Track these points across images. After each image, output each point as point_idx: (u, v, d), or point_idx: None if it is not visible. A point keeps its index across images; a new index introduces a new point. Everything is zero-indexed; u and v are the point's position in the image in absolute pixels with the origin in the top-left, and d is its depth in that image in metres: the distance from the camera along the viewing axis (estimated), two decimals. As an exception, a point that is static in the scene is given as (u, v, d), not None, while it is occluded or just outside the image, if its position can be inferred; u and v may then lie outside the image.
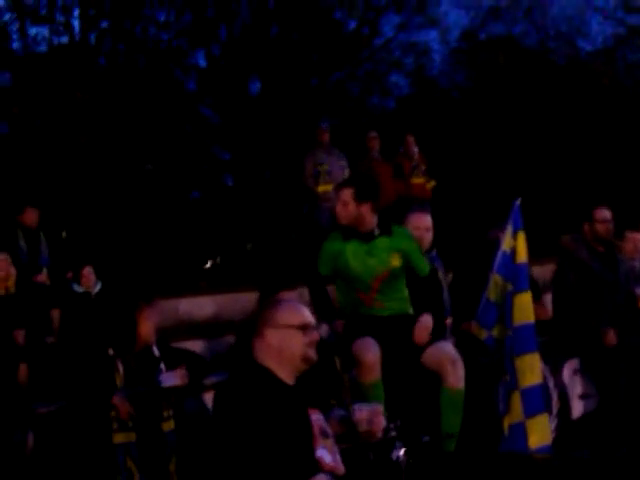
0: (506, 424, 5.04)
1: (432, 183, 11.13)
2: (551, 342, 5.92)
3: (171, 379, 4.09)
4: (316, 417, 3.39)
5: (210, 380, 4.24)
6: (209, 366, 4.45)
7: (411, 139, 11.28)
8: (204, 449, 3.34)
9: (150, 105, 12.95)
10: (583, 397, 6.07)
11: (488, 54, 14.83)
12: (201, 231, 12.64)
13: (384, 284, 4.88)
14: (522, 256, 5.18)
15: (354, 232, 4.85)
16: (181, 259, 12.43)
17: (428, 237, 5.40)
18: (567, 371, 6.00)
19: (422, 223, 5.41)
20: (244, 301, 9.09)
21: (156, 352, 4.33)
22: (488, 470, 4.71)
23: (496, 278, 5.29)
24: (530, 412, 5.04)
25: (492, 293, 5.31)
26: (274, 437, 3.11)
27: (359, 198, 4.78)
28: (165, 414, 4.22)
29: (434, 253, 5.52)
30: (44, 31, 13.25)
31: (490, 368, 5.32)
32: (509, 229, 5.24)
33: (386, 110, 14.75)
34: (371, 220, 4.85)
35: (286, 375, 3.33)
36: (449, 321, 5.44)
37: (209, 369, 4.38)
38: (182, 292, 9.08)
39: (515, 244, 5.18)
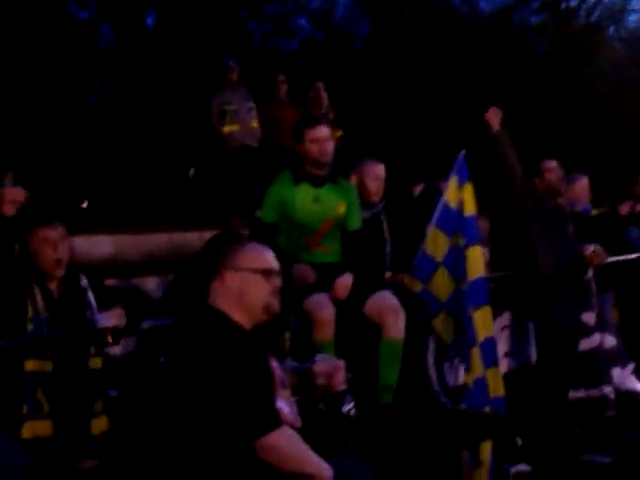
0: (470, 380, 4.97)
1: (339, 133, 10.94)
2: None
3: (107, 319, 3.76)
4: (274, 365, 3.18)
5: (148, 323, 3.94)
6: (146, 307, 4.14)
7: (320, 85, 11.07)
8: (149, 397, 3.07)
9: (41, 34, 12.22)
10: (507, 355, 6.07)
11: (393, 4, 14.68)
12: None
13: (329, 231, 4.78)
14: (470, 209, 5.08)
15: (305, 175, 4.68)
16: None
17: (382, 188, 5.26)
18: (496, 327, 5.98)
19: (379, 173, 5.27)
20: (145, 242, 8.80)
21: (84, 282, 3.96)
22: (421, 424, 4.62)
23: (435, 231, 5.19)
24: (488, 364, 5.02)
25: (429, 246, 5.22)
26: (236, 385, 2.91)
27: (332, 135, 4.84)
28: (92, 350, 3.88)
29: (382, 205, 5.37)
30: None
31: (422, 322, 5.23)
32: (454, 181, 5.12)
33: (290, 52, 14.42)
34: (330, 159, 4.79)
35: (244, 322, 3.11)
36: (388, 274, 5.29)
37: (147, 311, 4.06)
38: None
39: (462, 196, 5.07)
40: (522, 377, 5.97)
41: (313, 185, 4.72)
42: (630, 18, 18.24)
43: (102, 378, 3.88)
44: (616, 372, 6.49)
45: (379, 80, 13.77)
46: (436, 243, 5.17)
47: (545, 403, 5.93)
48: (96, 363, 3.86)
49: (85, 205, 12.69)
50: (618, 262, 6.79)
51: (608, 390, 6.37)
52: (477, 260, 5.12)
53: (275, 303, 3.13)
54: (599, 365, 6.40)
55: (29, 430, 3.67)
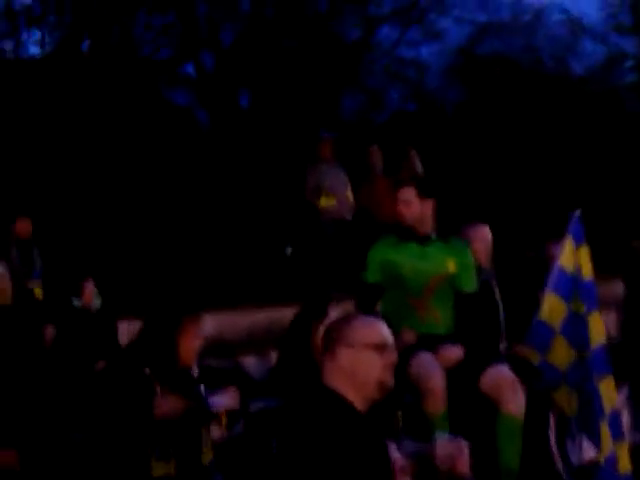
0: (601, 457, 4.63)
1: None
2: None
3: (222, 400, 3.61)
4: (394, 452, 2.94)
5: (258, 405, 3.76)
6: (256, 388, 3.97)
7: (414, 153, 10.95)
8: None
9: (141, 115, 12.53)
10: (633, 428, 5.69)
11: (484, 70, 14.57)
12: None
13: (439, 289, 4.56)
14: (588, 272, 4.79)
15: (410, 233, 4.54)
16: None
17: (490, 251, 5.03)
18: (620, 397, 5.61)
19: (486, 236, 5.05)
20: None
21: (195, 373, 3.85)
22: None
23: (551, 297, 4.90)
24: (615, 437, 4.69)
25: (545, 314, 4.92)
26: (353, 475, 2.65)
27: (423, 195, 4.55)
28: (204, 444, 3.72)
29: (493, 271, 5.14)
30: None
31: (543, 395, 4.91)
32: (569, 244, 4.84)
33: (382, 124, 14.41)
34: (431, 220, 4.62)
35: (358, 402, 2.87)
36: (503, 345, 5.01)
37: (256, 391, 3.90)
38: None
39: (579, 260, 4.78)
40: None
41: (419, 243, 4.53)
42: None
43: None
44: None
45: (474, 145, 13.61)
46: (552, 310, 4.88)
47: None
48: (209, 457, 3.69)
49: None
50: None
51: None
52: (598, 327, 4.81)
53: (389, 379, 2.91)
54: None
55: None
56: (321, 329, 3.82)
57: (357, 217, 10.18)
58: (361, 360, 2.86)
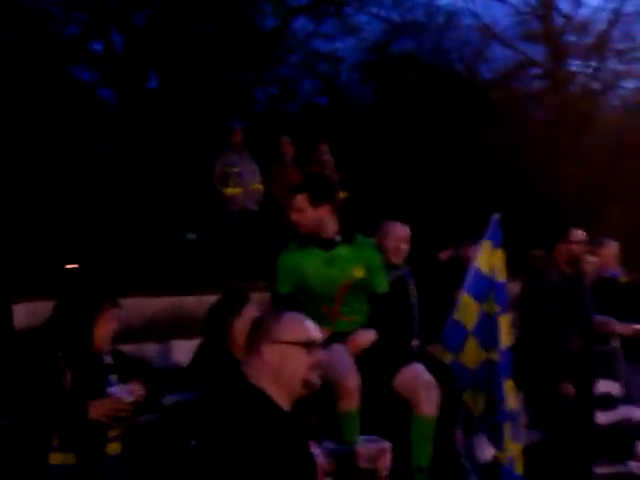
0: (504, 457, 4.69)
1: (344, 194, 10.78)
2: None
3: (123, 393, 3.47)
4: (316, 452, 2.88)
5: (170, 399, 3.63)
6: (168, 382, 3.84)
7: (324, 147, 10.96)
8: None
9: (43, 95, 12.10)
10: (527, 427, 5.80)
11: (398, 69, 14.68)
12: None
13: (348, 296, 4.45)
14: (502, 275, 4.83)
15: (313, 239, 4.41)
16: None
17: (406, 250, 5.01)
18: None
19: (402, 234, 5.01)
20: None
21: (108, 360, 3.71)
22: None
23: (466, 298, 4.93)
24: (515, 438, 4.76)
25: (460, 314, 4.95)
26: (276, 474, 2.59)
27: (315, 202, 4.38)
28: (112, 433, 3.58)
29: (409, 268, 5.12)
30: None
31: (453, 395, 4.95)
32: (486, 246, 4.88)
33: (294, 115, 14.33)
34: (332, 224, 4.44)
35: (283, 400, 2.81)
36: (416, 343, 5.01)
37: (168, 385, 3.77)
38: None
39: (495, 262, 4.83)
40: (539, 452, 5.69)
41: (322, 248, 4.43)
42: (628, 85, 18.28)
43: (121, 465, 3.58)
44: (644, 447, 6.21)
45: (383, 144, 13.69)
46: (466, 310, 4.91)
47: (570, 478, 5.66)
48: (115, 448, 3.55)
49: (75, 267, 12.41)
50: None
51: (636, 466, 6.08)
52: (507, 329, 4.88)
53: (315, 378, 2.85)
54: (626, 439, 6.13)
55: None
56: (238, 324, 3.73)
57: (263, 207, 10.10)
58: (287, 357, 2.80)
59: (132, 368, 3.77)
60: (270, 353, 2.79)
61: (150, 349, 7.58)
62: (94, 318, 3.62)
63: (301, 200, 4.38)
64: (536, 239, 6.27)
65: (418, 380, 4.34)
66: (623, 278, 7.20)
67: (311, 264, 4.39)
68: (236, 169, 9.95)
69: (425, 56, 15.44)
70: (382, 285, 4.52)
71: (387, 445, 3.04)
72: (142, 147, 12.61)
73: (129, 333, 7.54)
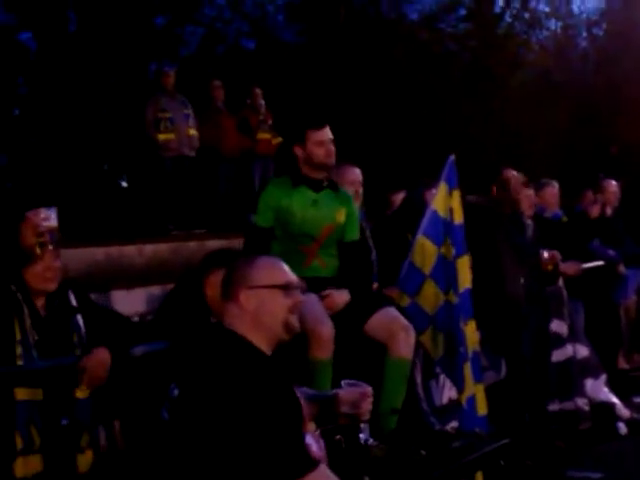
0: (463, 398, 4.73)
1: (278, 139, 10.65)
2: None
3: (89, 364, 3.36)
4: (300, 395, 2.84)
5: (141, 349, 3.52)
6: (137, 331, 3.70)
7: (258, 91, 10.75)
8: (164, 436, 2.68)
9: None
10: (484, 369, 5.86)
11: (325, 9, 14.45)
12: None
13: (328, 238, 4.47)
14: (459, 217, 4.82)
15: (304, 178, 4.41)
16: None
17: (360, 192, 4.96)
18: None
19: (355, 177, 4.96)
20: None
21: (73, 300, 3.56)
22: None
23: (423, 241, 4.91)
24: (476, 378, 4.81)
25: (417, 257, 4.94)
26: (266, 423, 2.55)
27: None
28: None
29: (363, 211, 5.08)
30: None
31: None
32: (442, 187, 4.85)
33: (224, 58, 13.99)
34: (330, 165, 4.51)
35: (264, 345, 2.77)
36: (375, 286, 4.98)
37: (138, 335, 3.64)
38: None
39: (451, 204, 4.80)
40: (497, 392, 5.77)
41: (312, 189, 4.42)
42: (553, 25, 18.43)
43: (90, 410, 3.46)
44: (589, 383, 6.36)
45: (315, 86, 13.52)
46: (424, 254, 4.90)
47: (523, 418, 5.76)
48: (84, 392, 3.43)
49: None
50: (585, 270, 6.71)
51: (582, 402, 6.23)
52: (466, 271, 4.88)
53: (295, 320, 2.81)
54: (572, 376, 6.26)
55: (22, 468, 3.28)
56: (212, 279, 3.61)
57: (200, 153, 9.89)
58: (265, 301, 2.76)
59: (98, 313, 3.65)
60: (247, 299, 2.75)
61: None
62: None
63: (328, 133, 4.44)
64: (473, 182, 6.27)
65: (395, 323, 4.35)
66: (564, 218, 7.32)
67: (299, 202, 4.39)
68: (168, 114, 9.66)
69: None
70: (356, 233, 4.56)
71: (369, 389, 3.01)
72: (68, 93, 12.16)
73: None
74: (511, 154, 14.79)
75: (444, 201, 4.84)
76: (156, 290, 7.41)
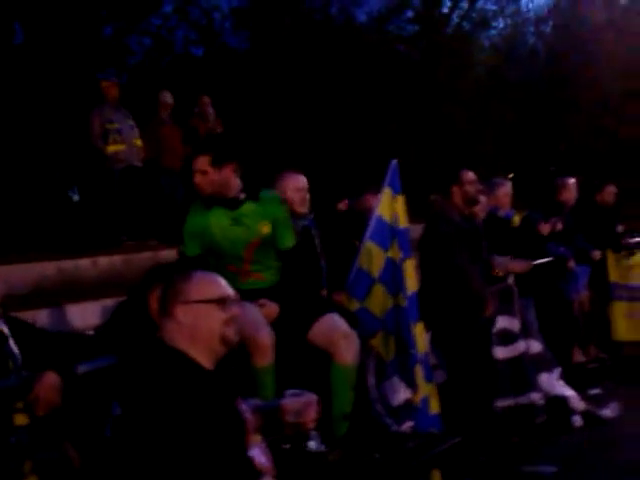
0: (417, 398, 4.77)
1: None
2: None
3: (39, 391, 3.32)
4: (244, 408, 2.84)
5: (84, 368, 3.48)
6: (82, 347, 3.67)
7: (207, 100, 10.73)
8: (106, 454, 2.66)
9: None
10: (434, 368, 5.90)
11: (272, 15, 14.45)
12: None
13: (257, 253, 4.42)
14: (404, 221, 4.85)
15: (216, 200, 4.35)
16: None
17: (307, 198, 4.95)
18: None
19: (301, 184, 4.95)
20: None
21: (4, 328, 3.51)
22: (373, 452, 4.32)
23: (369, 246, 4.95)
24: (428, 378, 4.90)
25: (364, 262, 4.96)
26: (204, 435, 2.56)
27: (218, 163, 4.31)
28: (19, 404, 3.40)
29: (311, 217, 5.07)
30: None
31: (362, 341, 4.95)
32: (387, 193, 4.88)
33: (170, 67, 13.92)
34: (235, 183, 4.39)
35: (204, 359, 2.77)
36: (324, 292, 4.99)
37: (83, 351, 3.60)
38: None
39: (396, 209, 4.83)
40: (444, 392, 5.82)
41: (228, 208, 4.36)
42: (501, 24, 18.62)
43: (30, 436, 3.40)
44: (543, 378, 6.41)
45: (264, 92, 13.50)
46: (371, 258, 4.93)
47: (473, 415, 5.80)
48: (22, 420, 3.37)
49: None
50: (536, 268, 6.79)
51: (536, 396, 6.28)
52: (412, 274, 4.93)
53: (232, 333, 2.81)
54: (526, 372, 6.31)
55: None
56: (156, 294, 3.59)
57: (146, 164, 9.83)
58: (201, 315, 2.76)
59: (30, 334, 3.59)
60: (184, 314, 2.76)
61: (42, 316, 7.31)
62: None
63: (203, 162, 4.31)
64: (433, 183, 6.34)
65: (336, 330, 4.36)
66: (515, 218, 7.38)
67: (217, 225, 4.34)
68: (116, 125, 9.58)
69: (299, 0, 15.24)
70: (289, 240, 4.50)
71: (313, 398, 3.01)
72: (13, 104, 12.02)
73: (17, 300, 7.27)
74: (461, 153, 14.92)
75: (389, 206, 4.88)
76: (110, 303, 7.32)
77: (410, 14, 17.36)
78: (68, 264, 8.39)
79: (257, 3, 14.75)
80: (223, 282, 2.86)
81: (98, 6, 12.89)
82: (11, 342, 3.47)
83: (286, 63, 13.94)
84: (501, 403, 6.11)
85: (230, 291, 2.86)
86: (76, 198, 11.45)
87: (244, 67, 13.99)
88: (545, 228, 7.34)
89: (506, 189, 6.94)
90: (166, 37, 14.34)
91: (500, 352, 6.24)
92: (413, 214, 5.97)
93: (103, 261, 8.64)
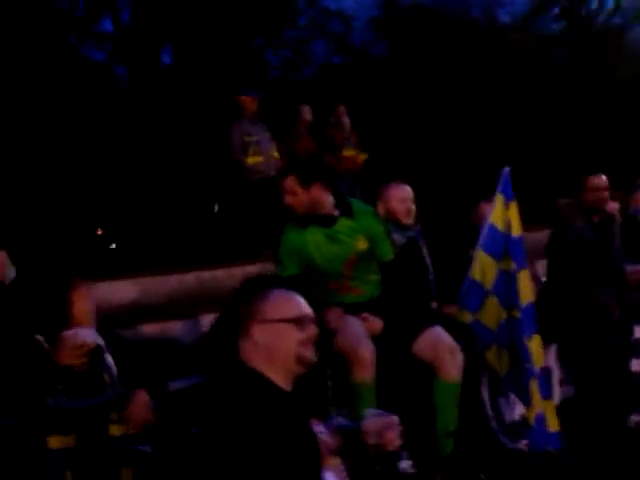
0: (531, 415, 4.60)
1: (364, 156, 10.62)
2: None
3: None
4: (320, 430, 2.80)
5: (176, 385, 3.56)
6: (173, 366, 3.77)
7: (342, 109, 10.76)
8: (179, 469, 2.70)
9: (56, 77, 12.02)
10: (561, 383, 5.67)
11: (409, 23, 14.36)
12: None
13: (356, 269, 4.40)
14: (517, 229, 4.69)
15: (311, 218, 4.36)
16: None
17: (413, 209, 4.89)
18: (552, 355, 5.59)
19: (405, 194, 4.89)
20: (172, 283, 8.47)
21: (100, 340, 3.64)
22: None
23: (482, 256, 4.80)
24: (544, 395, 4.66)
25: (477, 273, 4.83)
26: (278, 457, 2.52)
27: (305, 183, 4.33)
28: (114, 416, 3.52)
29: (418, 228, 5.00)
30: None
31: (476, 356, 4.83)
32: (499, 200, 4.73)
33: (309, 79, 14.10)
34: (327, 201, 4.39)
35: (281, 380, 2.73)
36: (434, 305, 4.90)
37: (173, 370, 3.69)
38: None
39: (509, 217, 4.68)
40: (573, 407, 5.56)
41: (322, 226, 4.36)
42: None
43: (126, 444, 3.52)
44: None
45: (402, 100, 13.42)
46: (484, 269, 4.79)
47: (603, 431, 5.53)
48: (116, 430, 3.49)
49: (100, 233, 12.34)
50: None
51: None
52: (527, 285, 4.74)
53: (309, 353, 2.75)
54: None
55: None
56: None
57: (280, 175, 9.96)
58: (277, 335, 2.72)
59: (126, 349, 3.71)
60: (260, 333, 2.72)
61: (178, 327, 7.54)
62: (67, 294, 3.56)
63: (291, 183, 4.32)
64: (561, 188, 6.11)
65: (440, 344, 4.28)
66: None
67: (313, 243, 4.35)
68: (255, 137, 9.80)
69: (439, 5, 15.07)
70: (387, 253, 4.47)
71: (394, 419, 2.94)
72: (159, 122, 12.52)
73: (156, 311, 7.53)
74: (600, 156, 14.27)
75: (501, 214, 4.72)
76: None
77: (555, 11, 16.80)
78: (206, 275, 8.64)
79: (395, 10, 14.70)
80: (301, 301, 2.82)
81: (239, 24, 13.21)
82: (108, 356, 3.59)
83: (425, 69, 13.82)
84: (636, 419, 5.81)
85: (308, 310, 2.81)
86: (216, 210, 11.78)
87: (383, 75, 13.97)
88: None
89: None
90: (304, 49, 14.51)
91: (635, 364, 5.95)
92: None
93: (238, 272, 8.82)
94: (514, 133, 14.05)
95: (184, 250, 10.25)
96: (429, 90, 13.65)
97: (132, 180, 12.00)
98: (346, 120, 10.71)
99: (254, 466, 2.50)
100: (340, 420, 3.07)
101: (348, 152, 10.54)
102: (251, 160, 9.68)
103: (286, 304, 2.78)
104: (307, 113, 10.40)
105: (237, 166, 9.78)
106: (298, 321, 2.75)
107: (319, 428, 2.80)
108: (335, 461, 2.83)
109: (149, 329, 7.04)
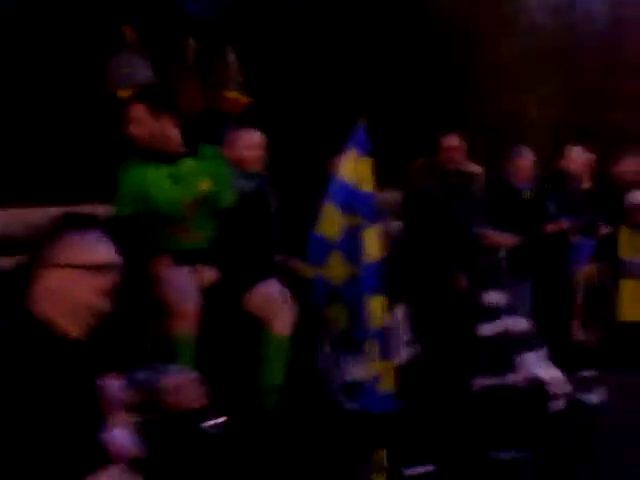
0: (364, 375, 4.59)
1: (246, 99, 10.37)
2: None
3: None
4: (115, 384, 2.65)
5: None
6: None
7: (230, 49, 10.45)
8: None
9: None
10: (409, 343, 5.66)
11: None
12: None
13: (198, 212, 4.23)
14: (368, 185, 4.56)
15: (154, 154, 4.13)
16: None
17: (261, 156, 4.71)
18: (399, 314, 5.56)
19: (253, 140, 4.71)
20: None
21: None
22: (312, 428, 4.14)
23: (330, 209, 4.68)
24: (383, 355, 4.62)
25: (323, 226, 4.70)
26: (42, 409, 2.36)
27: (155, 112, 4.13)
28: None
29: (266, 178, 4.83)
30: None
31: (315, 311, 4.74)
32: (351, 154, 4.60)
33: (198, 16, 13.60)
34: (175, 135, 4.19)
35: (72, 328, 2.57)
36: (279, 258, 4.77)
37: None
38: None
39: (360, 171, 4.55)
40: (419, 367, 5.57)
41: (168, 163, 4.14)
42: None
43: None
44: (526, 358, 6.13)
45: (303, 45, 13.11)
46: (331, 223, 4.67)
47: (446, 393, 5.57)
48: None
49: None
50: (535, 248, 6.49)
51: (516, 378, 6.01)
52: (374, 242, 4.62)
53: (103, 303, 2.60)
54: (507, 351, 6.04)
55: None
56: None
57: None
58: (67, 281, 2.57)
59: None
60: (50, 279, 2.57)
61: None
62: None
63: (139, 111, 4.08)
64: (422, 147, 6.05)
65: (272, 297, 4.15)
66: (528, 193, 6.94)
67: (155, 182, 4.13)
68: (129, 69, 9.41)
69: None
70: (227, 198, 4.27)
71: (193, 377, 2.82)
72: (35, 46, 11.92)
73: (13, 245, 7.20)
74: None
75: (353, 168, 4.60)
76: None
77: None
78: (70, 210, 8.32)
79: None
80: (101, 246, 2.63)
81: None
82: None
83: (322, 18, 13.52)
84: (478, 382, 5.87)
85: (107, 257, 2.62)
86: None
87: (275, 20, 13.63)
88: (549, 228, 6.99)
89: (526, 161, 6.59)
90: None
91: (484, 328, 5.99)
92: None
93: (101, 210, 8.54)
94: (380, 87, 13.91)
95: (51, 184, 9.83)
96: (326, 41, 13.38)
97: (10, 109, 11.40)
98: (232, 60, 10.43)
99: (15, 415, 2.32)
100: (141, 375, 2.92)
101: (231, 93, 10.29)
102: (126, 93, 9.32)
103: (80, 249, 2.61)
104: (190, 47, 10.06)
105: (113, 100, 9.41)
106: (93, 268, 2.59)
107: (115, 382, 2.65)
108: (127, 417, 2.68)
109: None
